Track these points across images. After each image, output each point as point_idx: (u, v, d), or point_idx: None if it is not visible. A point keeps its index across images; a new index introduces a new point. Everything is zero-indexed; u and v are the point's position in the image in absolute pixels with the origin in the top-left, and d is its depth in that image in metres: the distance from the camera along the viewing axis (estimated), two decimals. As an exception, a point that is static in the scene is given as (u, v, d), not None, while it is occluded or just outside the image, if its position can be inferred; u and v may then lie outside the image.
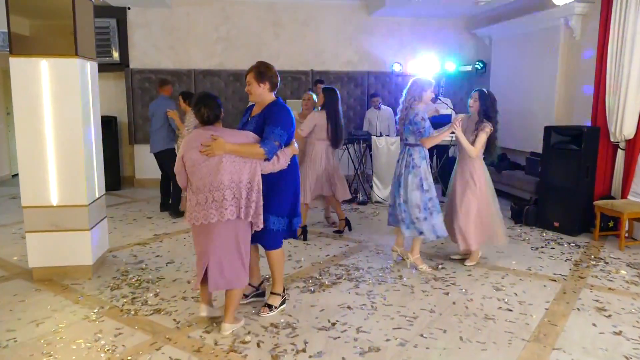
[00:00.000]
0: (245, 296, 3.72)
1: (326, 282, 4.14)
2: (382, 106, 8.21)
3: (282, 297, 3.64)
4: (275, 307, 3.57)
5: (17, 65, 3.95)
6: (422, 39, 8.92)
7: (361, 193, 7.39)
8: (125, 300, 3.78)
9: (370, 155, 7.57)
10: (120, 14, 8.07)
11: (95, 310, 3.59)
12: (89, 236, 4.20)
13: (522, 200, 6.55)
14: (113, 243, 5.25)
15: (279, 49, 8.67)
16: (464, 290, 4.01)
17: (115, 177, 8.30)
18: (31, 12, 4.05)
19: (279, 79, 3.46)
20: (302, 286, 4.07)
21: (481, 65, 8.57)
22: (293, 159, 3.46)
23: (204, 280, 3.24)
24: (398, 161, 4.48)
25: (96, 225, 4.36)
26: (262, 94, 3.42)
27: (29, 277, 4.22)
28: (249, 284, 3.66)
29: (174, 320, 3.44)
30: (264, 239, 3.45)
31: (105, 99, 7.97)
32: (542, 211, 5.97)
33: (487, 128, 4.40)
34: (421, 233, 4.33)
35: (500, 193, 7.75)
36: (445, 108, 7.28)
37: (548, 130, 5.95)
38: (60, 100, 4.01)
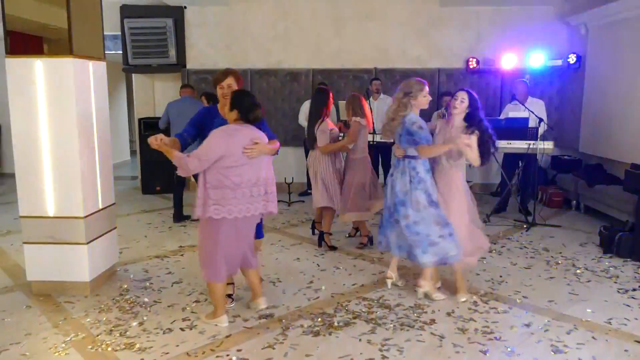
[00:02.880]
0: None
1: (337, 323, 3.42)
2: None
3: None
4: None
5: (12, 66, 3.69)
6: (503, 31, 7.76)
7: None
8: (105, 328, 3.37)
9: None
10: (177, 14, 7.90)
11: (67, 339, 3.21)
12: (86, 251, 3.87)
13: (616, 224, 5.30)
14: (133, 254, 4.96)
15: (339, 46, 8.01)
16: (509, 349, 3.10)
17: (170, 178, 8.14)
18: (28, 9, 3.79)
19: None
20: (308, 325, 3.40)
21: (575, 59, 7.26)
22: None
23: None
24: (392, 175, 3.87)
25: (97, 238, 4.02)
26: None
27: (30, 290, 3.99)
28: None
29: (141, 360, 2.96)
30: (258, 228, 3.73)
31: (164, 101, 7.83)
32: (640, 240, 4.73)
33: (476, 134, 3.66)
34: (446, 255, 3.69)
35: (590, 211, 6.53)
36: (522, 110, 6.16)
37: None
38: (55, 104, 3.71)
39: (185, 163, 3.13)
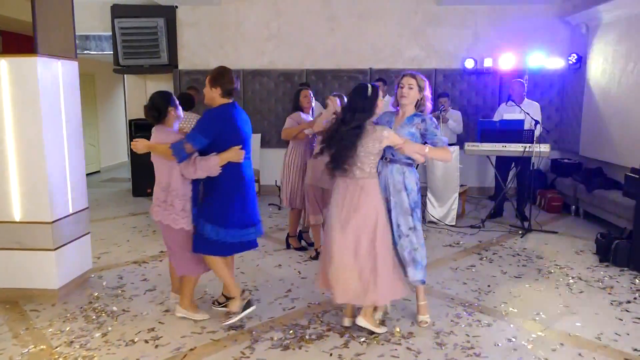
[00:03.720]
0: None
1: (308, 336, 3.25)
2: (452, 110, 7.00)
3: (242, 300, 3.38)
4: (235, 313, 3.37)
5: (-23, 66, 3.57)
6: (501, 30, 7.55)
7: (413, 211, 6.31)
8: (66, 339, 3.22)
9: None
10: (169, 13, 7.76)
11: (25, 351, 3.07)
12: (54, 257, 3.73)
13: (614, 231, 5.07)
14: (111, 260, 4.82)
15: (334, 45, 7.83)
16: (488, 366, 2.91)
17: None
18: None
19: (234, 86, 3.29)
20: (278, 338, 3.23)
21: (575, 59, 7.03)
22: (240, 168, 3.28)
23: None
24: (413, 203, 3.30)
25: (67, 244, 3.88)
26: (213, 98, 3.31)
27: (-2, 297, 3.86)
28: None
29: (96, 375, 2.81)
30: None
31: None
32: (638, 248, 4.51)
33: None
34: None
35: (589, 216, 6.29)
36: (518, 112, 5.95)
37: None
38: (20, 104, 3.57)
39: None
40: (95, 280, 4.29)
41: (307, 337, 3.23)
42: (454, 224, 6.06)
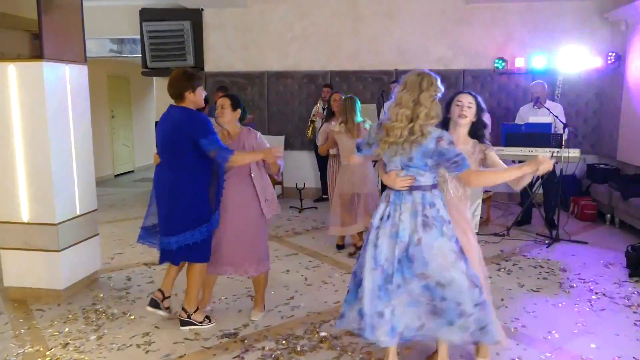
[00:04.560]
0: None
1: (300, 347, 3.15)
2: None
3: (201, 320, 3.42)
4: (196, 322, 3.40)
5: (-13, 70, 3.67)
6: (534, 29, 7.20)
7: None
8: (62, 340, 3.26)
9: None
10: (195, 16, 7.84)
11: (20, 351, 3.12)
12: (59, 258, 3.80)
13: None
14: (124, 261, 4.88)
15: (358, 46, 7.69)
16: (484, 389, 2.72)
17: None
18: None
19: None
20: (269, 348, 3.15)
21: (613, 58, 6.62)
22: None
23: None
24: (388, 217, 2.57)
25: (73, 245, 3.94)
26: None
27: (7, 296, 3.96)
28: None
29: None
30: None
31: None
32: (671, 264, 4.16)
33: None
34: (483, 329, 2.51)
35: (624, 226, 5.87)
36: (547, 115, 5.64)
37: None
38: (27, 109, 3.65)
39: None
40: (104, 281, 4.34)
41: (298, 348, 3.14)
42: (477, 231, 5.78)
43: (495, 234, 5.70)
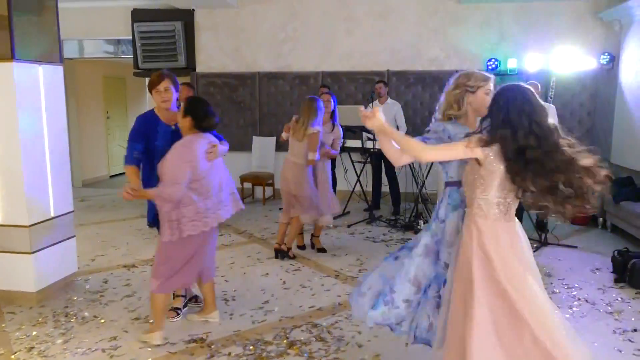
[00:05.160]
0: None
1: (267, 353, 3.09)
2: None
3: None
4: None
5: (-41, 71, 3.64)
6: (528, 29, 7.10)
7: (423, 220, 6.02)
8: (28, 344, 3.22)
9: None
10: (187, 17, 7.81)
11: (-17, 355, 3.08)
12: (31, 261, 3.76)
13: (637, 247, 4.61)
14: (104, 263, 4.84)
15: (351, 47, 7.62)
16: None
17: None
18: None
19: None
20: (235, 354, 3.09)
21: (607, 59, 6.50)
22: None
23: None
24: (439, 220, 2.53)
25: (47, 248, 3.90)
26: None
27: (-17, 297, 3.94)
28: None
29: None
30: None
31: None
32: (657, 269, 4.06)
33: None
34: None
35: (617, 230, 5.76)
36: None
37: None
38: (-2, 110, 3.62)
39: (169, 195, 2.97)
40: (81, 283, 4.30)
41: (265, 354, 3.08)
42: (464, 234, 5.72)
43: (484, 238, 5.61)
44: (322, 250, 5.12)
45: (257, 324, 3.53)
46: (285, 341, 3.25)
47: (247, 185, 7.63)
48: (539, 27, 7.06)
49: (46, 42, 3.90)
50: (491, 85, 2.56)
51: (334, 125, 5.12)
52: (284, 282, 4.32)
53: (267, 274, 4.54)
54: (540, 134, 2.09)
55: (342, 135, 5.20)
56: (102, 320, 3.57)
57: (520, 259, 2.17)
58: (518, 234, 2.24)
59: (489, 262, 2.11)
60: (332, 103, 5.08)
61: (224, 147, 3.37)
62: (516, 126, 2.10)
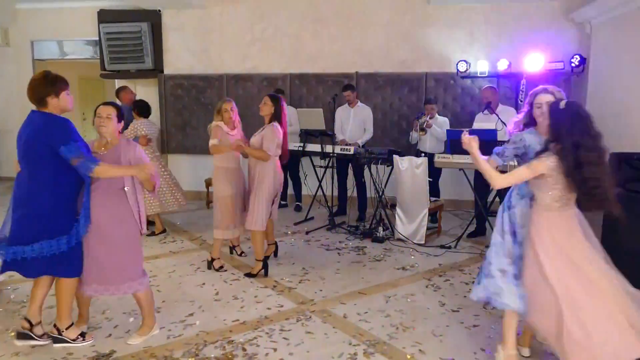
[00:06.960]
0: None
1: (167, 373, 2.93)
2: (438, 116, 6.43)
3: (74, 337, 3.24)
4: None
5: None
6: (499, 31, 6.92)
7: (383, 227, 5.83)
8: None
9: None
10: (153, 18, 7.68)
11: None
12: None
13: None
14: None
15: (319, 48, 7.46)
16: None
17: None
18: None
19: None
20: (135, 373, 2.94)
21: (578, 61, 6.28)
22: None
23: None
24: (509, 222, 2.99)
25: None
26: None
27: None
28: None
29: None
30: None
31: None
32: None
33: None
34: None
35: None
36: (495, 121, 5.35)
37: (616, 158, 3.84)
38: None
39: None
40: (9, 292, 4.16)
41: (163, 374, 2.92)
42: (423, 242, 5.54)
43: (441, 246, 5.42)
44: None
45: (172, 339, 3.37)
46: (193, 358, 3.09)
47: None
48: (510, 28, 6.88)
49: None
50: (540, 98, 2.91)
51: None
52: (217, 293, 4.15)
53: (204, 283, 4.38)
54: (593, 147, 2.56)
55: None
56: (12, 333, 3.41)
57: (579, 239, 2.66)
58: (577, 219, 2.71)
59: (554, 243, 2.63)
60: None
61: None
62: (576, 143, 2.55)
